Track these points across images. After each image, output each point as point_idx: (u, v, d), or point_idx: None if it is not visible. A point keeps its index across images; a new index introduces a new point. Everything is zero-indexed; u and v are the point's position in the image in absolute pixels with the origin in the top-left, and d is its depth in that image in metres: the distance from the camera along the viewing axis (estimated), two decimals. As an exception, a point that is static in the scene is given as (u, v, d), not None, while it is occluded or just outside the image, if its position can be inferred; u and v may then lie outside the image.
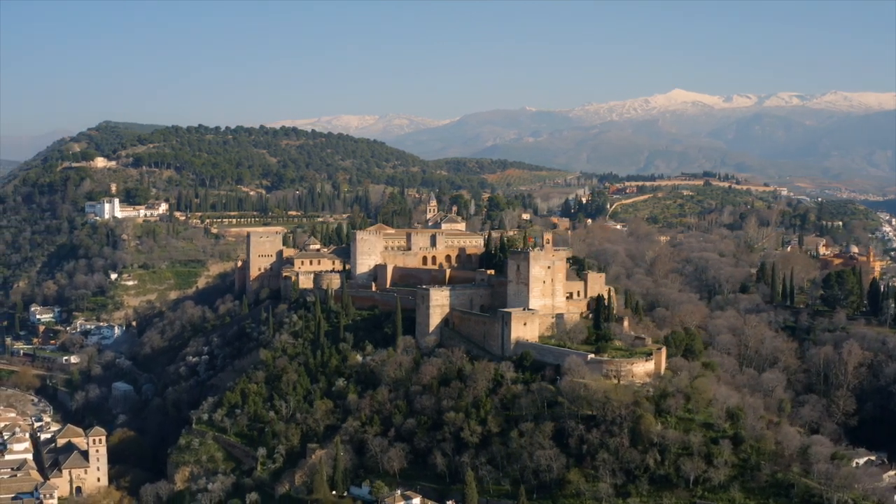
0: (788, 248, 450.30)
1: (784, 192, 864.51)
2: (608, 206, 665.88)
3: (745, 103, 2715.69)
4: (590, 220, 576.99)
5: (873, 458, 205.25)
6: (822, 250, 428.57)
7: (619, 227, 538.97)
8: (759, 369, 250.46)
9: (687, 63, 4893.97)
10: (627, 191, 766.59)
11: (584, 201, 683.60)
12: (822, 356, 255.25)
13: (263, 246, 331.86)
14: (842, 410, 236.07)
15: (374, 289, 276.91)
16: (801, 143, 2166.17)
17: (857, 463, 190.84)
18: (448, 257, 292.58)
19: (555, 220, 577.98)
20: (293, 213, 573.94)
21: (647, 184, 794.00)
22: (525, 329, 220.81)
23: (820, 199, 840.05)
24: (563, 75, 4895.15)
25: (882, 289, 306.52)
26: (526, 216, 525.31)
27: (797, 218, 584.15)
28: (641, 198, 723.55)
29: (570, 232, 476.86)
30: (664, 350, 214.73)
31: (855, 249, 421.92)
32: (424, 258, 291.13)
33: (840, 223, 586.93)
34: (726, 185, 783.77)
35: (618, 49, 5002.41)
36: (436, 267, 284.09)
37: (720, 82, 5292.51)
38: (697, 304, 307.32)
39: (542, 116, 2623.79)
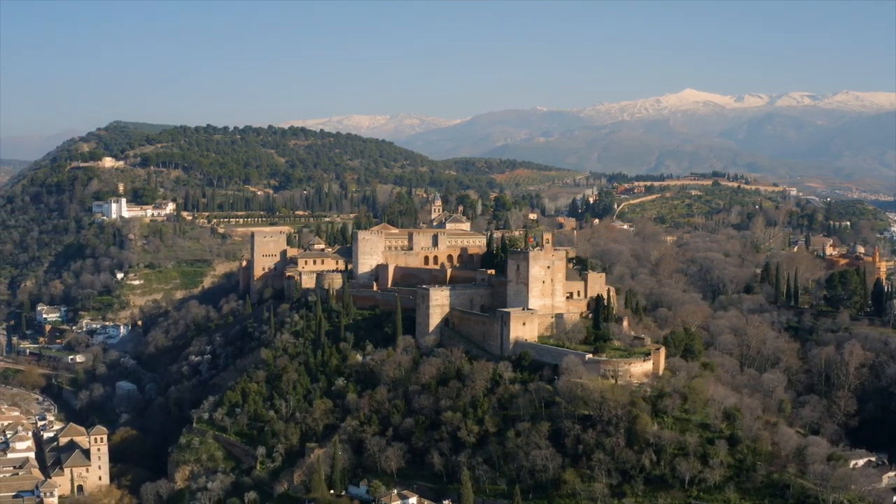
0: (795, 249, 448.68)
1: (793, 192, 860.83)
2: (615, 206, 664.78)
3: (757, 103, 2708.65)
4: (597, 220, 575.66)
5: (873, 458, 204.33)
6: (828, 250, 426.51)
7: (625, 227, 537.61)
8: (760, 370, 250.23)
9: (698, 63, 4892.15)
10: (635, 191, 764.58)
11: (592, 201, 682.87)
12: (824, 357, 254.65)
13: (267, 246, 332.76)
14: (842, 411, 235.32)
15: (375, 288, 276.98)
16: (813, 142, 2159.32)
17: (855, 464, 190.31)
18: (450, 257, 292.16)
19: (561, 220, 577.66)
20: (300, 212, 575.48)
21: (656, 184, 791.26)
22: (524, 329, 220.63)
23: (829, 199, 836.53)
24: (574, 75, 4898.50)
25: (886, 289, 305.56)
26: (533, 216, 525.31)
27: (805, 218, 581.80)
28: (649, 198, 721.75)
29: (575, 232, 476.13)
30: (663, 350, 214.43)
31: (861, 250, 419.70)
32: (426, 258, 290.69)
33: (848, 223, 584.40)
34: (735, 185, 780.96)
35: (629, 49, 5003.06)
36: (437, 267, 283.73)
37: (732, 82, 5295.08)
38: (700, 304, 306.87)
39: (554, 116, 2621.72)
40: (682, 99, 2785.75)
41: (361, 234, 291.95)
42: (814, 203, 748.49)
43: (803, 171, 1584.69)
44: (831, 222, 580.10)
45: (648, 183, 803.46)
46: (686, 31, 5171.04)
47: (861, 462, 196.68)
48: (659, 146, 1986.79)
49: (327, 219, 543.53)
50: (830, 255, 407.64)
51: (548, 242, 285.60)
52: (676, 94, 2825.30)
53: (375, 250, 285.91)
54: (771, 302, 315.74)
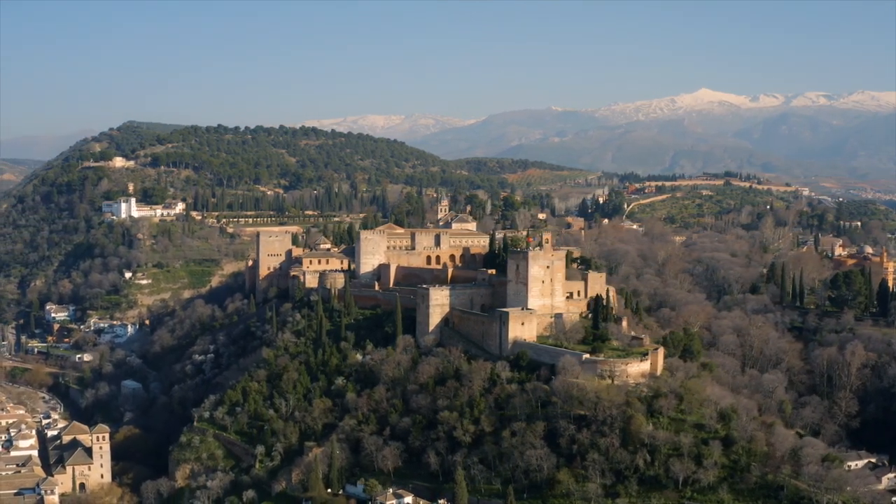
0: (804, 249, 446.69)
1: (805, 192, 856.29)
2: (625, 206, 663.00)
3: (772, 103, 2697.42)
4: (606, 220, 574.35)
5: (874, 460, 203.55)
6: (837, 251, 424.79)
7: (635, 227, 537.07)
8: (762, 370, 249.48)
9: (714, 63, 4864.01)
10: (646, 191, 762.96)
11: (602, 201, 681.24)
12: (826, 357, 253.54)
13: (273, 245, 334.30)
14: (843, 412, 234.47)
15: (377, 288, 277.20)
16: (828, 142, 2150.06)
17: (855, 465, 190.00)
18: (452, 257, 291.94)
19: (570, 219, 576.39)
20: (310, 212, 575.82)
21: (667, 184, 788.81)
22: (523, 329, 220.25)
23: (840, 199, 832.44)
24: (589, 75, 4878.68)
25: (891, 289, 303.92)
26: (542, 216, 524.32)
27: (815, 218, 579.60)
28: (659, 198, 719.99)
29: (583, 232, 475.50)
30: (661, 350, 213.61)
31: (869, 250, 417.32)
32: (428, 258, 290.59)
33: (859, 223, 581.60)
34: (747, 185, 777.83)
35: (644, 49, 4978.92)
36: (439, 266, 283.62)
37: (747, 82, 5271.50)
38: (704, 304, 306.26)
39: (568, 116, 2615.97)
40: (697, 99, 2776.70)
41: (364, 234, 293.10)
42: (825, 203, 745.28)
43: (818, 171, 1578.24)
44: (841, 222, 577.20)
45: (659, 183, 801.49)
46: (701, 30, 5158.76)
47: (861, 463, 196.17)
48: (673, 146, 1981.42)
49: (336, 218, 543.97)
50: (839, 255, 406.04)
51: (547, 242, 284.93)
52: (691, 94, 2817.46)
53: (377, 250, 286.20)
54: (776, 302, 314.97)
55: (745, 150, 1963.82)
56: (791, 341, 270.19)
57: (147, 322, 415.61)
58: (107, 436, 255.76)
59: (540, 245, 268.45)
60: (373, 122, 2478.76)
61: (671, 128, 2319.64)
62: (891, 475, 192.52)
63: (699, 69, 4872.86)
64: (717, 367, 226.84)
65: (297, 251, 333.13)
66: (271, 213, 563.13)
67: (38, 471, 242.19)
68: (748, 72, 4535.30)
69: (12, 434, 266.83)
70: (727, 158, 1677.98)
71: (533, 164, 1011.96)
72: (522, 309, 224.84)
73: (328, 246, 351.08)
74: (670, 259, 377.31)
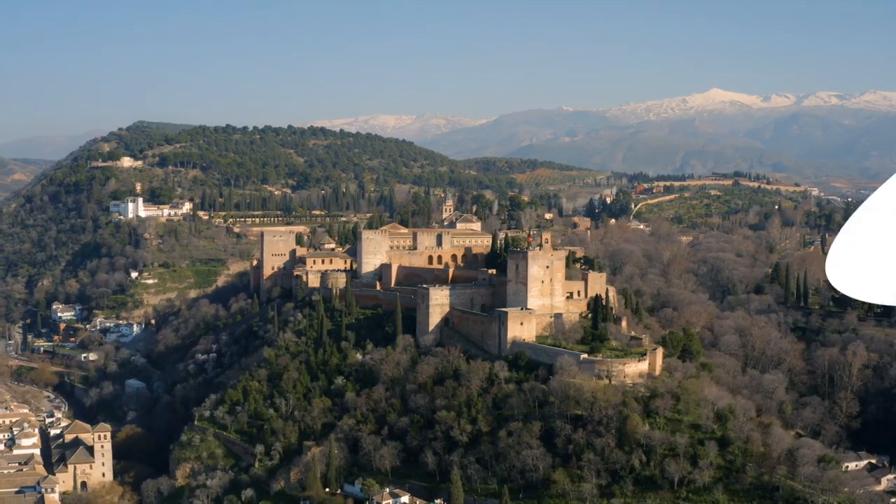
0: (811, 249, 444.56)
1: (815, 192, 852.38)
2: (632, 206, 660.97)
3: (784, 103, 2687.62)
4: (613, 220, 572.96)
5: (874, 461, 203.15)
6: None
7: (641, 227, 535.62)
8: (764, 371, 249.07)
9: (725, 62, 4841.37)
10: (654, 191, 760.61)
11: (609, 201, 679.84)
12: (828, 358, 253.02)
13: (277, 245, 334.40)
14: (844, 413, 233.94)
15: (378, 288, 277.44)
16: (840, 142, 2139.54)
17: (854, 466, 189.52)
18: (454, 256, 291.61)
19: (577, 219, 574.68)
20: (317, 212, 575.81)
21: (675, 184, 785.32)
22: (522, 329, 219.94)
23: (850, 199, 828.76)
24: (600, 75, 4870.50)
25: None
26: (549, 216, 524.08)
27: (822, 218, 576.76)
28: (667, 198, 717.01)
29: (589, 232, 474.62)
30: (660, 350, 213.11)
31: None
32: (430, 257, 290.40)
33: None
34: (756, 185, 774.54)
35: (655, 49, 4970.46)
36: (441, 266, 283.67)
37: (758, 82, 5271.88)
38: (707, 304, 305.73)
39: (579, 116, 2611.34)
40: (708, 99, 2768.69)
41: (365, 234, 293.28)
42: (833, 203, 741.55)
43: (829, 171, 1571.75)
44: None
45: (667, 183, 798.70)
46: (712, 30, 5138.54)
47: (861, 464, 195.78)
48: (684, 146, 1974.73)
49: (343, 218, 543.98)
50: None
51: (547, 242, 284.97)
52: (703, 94, 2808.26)
53: (379, 250, 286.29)
54: (780, 303, 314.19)
55: (756, 150, 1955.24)
56: (793, 341, 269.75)
57: (152, 321, 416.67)
58: (108, 434, 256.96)
59: (540, 245, 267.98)
60: (384, 123, 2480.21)
61: (682, 128, 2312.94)
62: (890, 476, 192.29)
63: (710, 69, 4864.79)
64: (716, 368, 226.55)
65: (301, 251, 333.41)
66: (278, 212, 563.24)
67: (40, 469, 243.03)
68: (759, 71, 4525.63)
69: (15, 433, 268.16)
70: (738, 158, 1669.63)
71: (542, 164, 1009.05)
72: (522, 309, 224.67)
73: (332, 246, 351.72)
74: (675, 259, 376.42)
